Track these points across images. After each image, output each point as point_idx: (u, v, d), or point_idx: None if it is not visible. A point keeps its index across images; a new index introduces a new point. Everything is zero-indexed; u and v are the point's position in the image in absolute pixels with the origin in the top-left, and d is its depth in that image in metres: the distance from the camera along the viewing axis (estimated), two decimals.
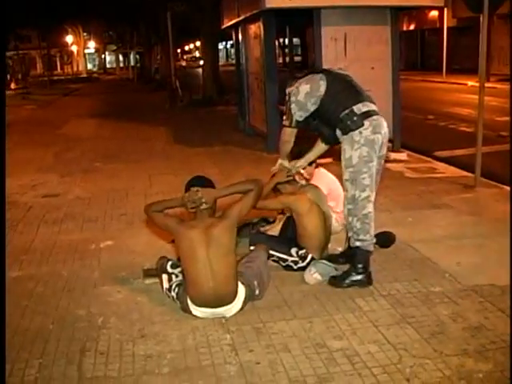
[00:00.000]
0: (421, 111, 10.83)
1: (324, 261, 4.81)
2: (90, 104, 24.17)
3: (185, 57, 77.17)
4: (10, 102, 25.17)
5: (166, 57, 28.92)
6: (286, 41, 24.79)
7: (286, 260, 4.89)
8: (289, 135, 4.67)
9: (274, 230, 5.47)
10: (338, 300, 4.36)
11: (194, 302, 4.08)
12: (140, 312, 4.30)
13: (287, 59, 29.58)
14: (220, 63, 43.87)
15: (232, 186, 4.39)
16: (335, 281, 4.55)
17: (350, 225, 4.54)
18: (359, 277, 4.50)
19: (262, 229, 5.63)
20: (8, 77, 36.02)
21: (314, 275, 4.68)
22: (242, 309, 4.16)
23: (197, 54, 70.36)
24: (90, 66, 71.35)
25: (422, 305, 4.22)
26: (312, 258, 4.85)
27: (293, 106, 4.50)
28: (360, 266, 4.51)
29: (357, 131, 4.32)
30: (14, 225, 6.58)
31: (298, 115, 4.49)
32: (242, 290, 4.13)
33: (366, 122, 4.32)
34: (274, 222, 5.76)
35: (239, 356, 3.62)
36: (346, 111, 4.32)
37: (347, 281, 4.50)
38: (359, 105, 4.37)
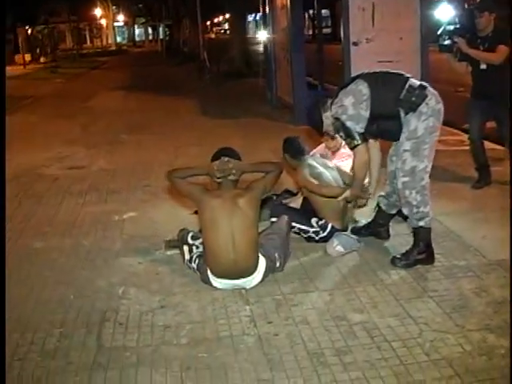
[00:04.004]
0: (451, 83, 10.58)
1: (347, 233, 4.75)
2: (118, 77, 24.20)
3: (214, 29, 76.73)
4: (39, 75, 25.43)
5: (194, 29, 28.79)
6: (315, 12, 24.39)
7: (308, 231, 4.84)
8: (365, 154, 4.39)
9: (296, 202, 5.42)
10: (359, 272, 4.31)
11: (214, 273, 4.06)
12: (160, 283, 4.30)
13: (316, 31, 29.16)
14: (249, 35, 43.64)
15: (257, 164, 4.40)
16: (397, 260, 4.39)
17: (406, 200, 4.32)
18: (423, 255, 4.37)
19: (284, 201, 5.58)
20: (37, 50, 36.21)
21: (336, 247, 4.63)
22: (262, 281, 4.13)
23: (226, 26, 69.87)
24: (119, 39, 71.35)
25: (444, 279, 4.14)
26: (332, 227, 4.81)
27: (348, 123, 4.29)
28: (423, 244, 4.38)
29: (423, 103, 4.16)
30: (40, 197, 6.62)
31: (359, 128, 4.29)
32: (262, 262, 4.10)
33: (428, 93, 4.21)
34: (297, 194, 5.71)
35: (258, 328, 3.60)
36: (404, 90, 4.18)
37: (410, 260, 4.35)
38: (411, 80, 4.26)
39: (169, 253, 4.79)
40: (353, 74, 8.90)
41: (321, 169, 4.83)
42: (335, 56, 9.89)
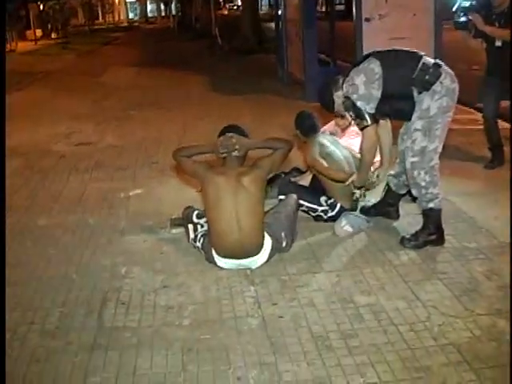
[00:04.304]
0: (465, 61, 10.38)
1: (355, 213, 4.65)
2: (129, 53, 24.04)
3: (227, 5, 76.08)
4: (50, 51, 25.28)
5: (206, 5, 28.51)
6: None
7: (316, 210, 4.75)
8: (374, 136, 4.24)
9: (305, 180, 5.32)
10: (367, 253, 4.21)
11: (218, 253, 3.98)
12: (164, 262, 4.22)
13: (329, 8, 28.81)
14: (263, 12, 43.04)
15: (265, 140, 4.22)
16: (406, 241, 4.29)
17: (414, 181, 4.19)
18: (433, 237, 4.26)
19: (292, 179, 5.48)
20: (49, 26, 35.99)
21: (344, 227, 4.53)
22: (267, 261, 4.05)
23: (239, 2, 69.25)
24: (131, 15, 70.96)
25: (454, 260, 4.04)
26: (341, 207, 4.71)
27: (359, 103, 4.13)
28: (433, 226, 4.27)
29: (438, 82, 4.02)
30: (46, 173, 6.56)
31: (370, 108, 4.14)
32: (268, 242, 4.01)
33: (442, 71, 4.07)
34: (306, 172, 5.60)
35: (262, 309, 3.52)
36: (417, 69, 4.04)
37: (419, 241, 4.25)
38: (425, 58, 4.11)
39: (174, 231, 4.71)
40: (365, 51, 8.82)
41: (332, 148, 4.72)
42: (348, 33, 9.70)
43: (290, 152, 4.15)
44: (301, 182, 5.28)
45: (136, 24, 56.32)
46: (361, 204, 4.79)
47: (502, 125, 6.32)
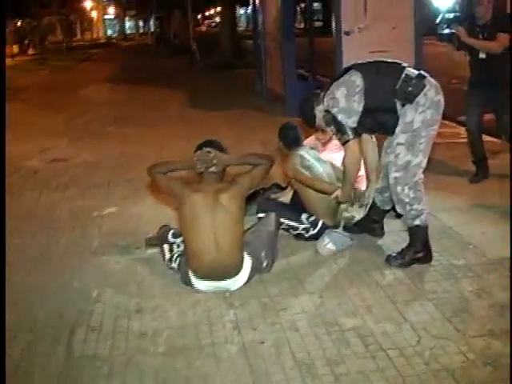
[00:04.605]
0: (445, 74, 10.30)
1: (338, 230, 4.46)
2: (107, 69, 23.78)
3: (205, 22, 76.25)
4: (27, 67, 25.00)
5: (185, 21, 28.40)
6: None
7: (297, 228, 4.56)
8: (356, 151, 4.08)
9: (286, 196, 5.13)
10: (352, 273, 4.03)
11: (195, 275, 3.77)
12: (138, 284, 4.00)
13: (307, 25, 28.88)
14: (242, 28, 43.03)
15: (244, 156, 4.04)
16: (392, 259, 4.10)
17: (398, 197, 4.02)
18: (419, 254, 4.08)
19: (272, 195, 5.29)
20: (25, 42, 35.71)
21: (327, 246, 4.34)
22: (247, 282, 3.84)
23: (217, 19, 69.43)
24: (109, 32, 70.76)
25: (443, 279, 3.86)
26: (323, 225, 4.52)
27: (340, 117, 3.97)
28: (419, 243, 4.08)
29: (421, 94, 3.85)
30: (17, 190, 6.30)
31: (351, 122, 3.97)
32: (248, 262, 3.81)
33: (427, 83, 3.90)
34: (286, 188, 5.42)
35: (242, 334, 3.31)
36: (400, 80, 3.87)
37: (406, 260, 4.06)
38: (408, 69, 3.94)
39: (149, 251, 4.50)
40: (345, 65, 8.71)
41: (312, 161, 4.54)
42: (327, 49, 9.64)
43: (270, 168, 3.95)
44: (281, 199, 5.10)
45: (114, 41, 56.11)
46: (344, 220, 4.61)
47: (484, 138, 6.19)
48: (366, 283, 3.85)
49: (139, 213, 5.43)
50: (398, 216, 4.36)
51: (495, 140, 6.97)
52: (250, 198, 4.72)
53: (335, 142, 4.85)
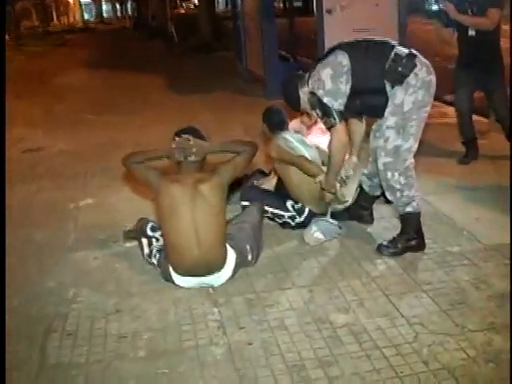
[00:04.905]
0: (428, 53, 10.08)
1: (326, 218, 4.25)
2: (84, 54, 23.30)
3: (184, 4, 75.36)
4: None
5: (162, 3, 27.91)
6: None
7: (283, 216, 4.35)
8: (343, 136, 3.82)
9: (270, 183, 4.92)
10: (342, 263, 3.83)
11: (176, 271, 3.55)
12: (117, 282, 3.78)
13: (287, 4, 28.45)
14: (221, 9, 42.42)
15: (226, 143, 3.79)
16: (384, 248, 3.91)
17: (388, 183, 3.81)
18: (412, 242, 3.89)
19: (255, 182, 5.07)
20: None
21: (314, 234, 4.14)
22: (232, 276, 3.64)
23: (196, 1, 68.53)
24: (86, 16, 69.39)
25: (438, 268, 3.68)
26: (310, 212, 4.32)
27: (325, 99, 3.72)
28: (412, 231, 3.89)
29: (412, 74, 3.63)
30: None
31: (338, 105, 3.72)
32: (232, 256, 3.60)
33: (417, 62, 3.67)
34: (270, 174, 5.20)
35: (227, 335, 3.11)
36: (389, 60, 3.63)
37: (398, 248, 3.87)
38: (398, 47, 3.70)
39: (128, 245, 4.28)
40: (327, 45, 8.49)
41: (296, 144, 4.31)
42: (307, 28, 9.40)
43: (254, 156, 3.72)
44: (265, 186, 4.88)
45: (92, 25, 55.19)
46: (332, 207, 4.41)
47: (474, 117, 6.00)
48: (356, 275, 3.66)
49: (117, 203, 5.20)
50: (388, 202, 4.17)
51: (483, 119, 6.79)
52: (233, 186, 4.52)
53: (321, 125, 4.65)
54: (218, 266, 3.53)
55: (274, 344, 2.99)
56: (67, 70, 17.02)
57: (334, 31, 8.17)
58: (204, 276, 3.52)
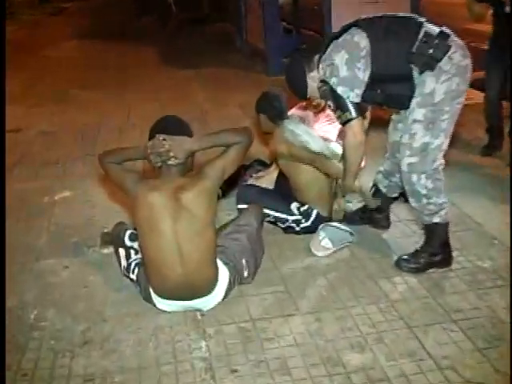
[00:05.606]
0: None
1: (336, 223, 3.67)
2: (78, 24, 22.46)
3: None
4: None
5: None
6: None
7: (286, 220, 3.76)
8: (361, 132, 3.19)
9: (270, 177, 4.32)
10: (355, 281, 3.24)
11: (157, 293, 2.96)
12: (89, 301, 3.20)
13: None
14: None
15: (214, 135, 3.06)
16: (403, 263, 3.33)
17: (413, 188, 3.20)
18: (437, 258, 3.30)
19: (254, 176, 4.47)
20: None
21: (322, 242, 3.55)
22: (225, 298, 3.05)
23: None
24: None
25: (469, 290, 3.10)
26: (318, 215, 3.74)
27: (340, 89, 3.11)
28: (437, 244, 3.30)
29: (446, 58, 3.01)
30: None
31: (354, 96, 3.11)
32: (224, 274, 3.01)
33: (452, 43, 3.04)
34: (271, 165, 4.60)
35: (216, 380, 2.53)
36: (418, 40, 3.01)
37: (421, 264, 3.30)
38: (427, 25, 3.07)
39: (105, 251, 3.72)
40: (333, 17, 7.83)
41: (305, 137, 3.70)
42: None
43: (249, 146, 3.05)
44: (263, 182, 4.28)
45: None
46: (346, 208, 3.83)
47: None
48: (372, 297, 3.07)
49: (98, 198, 4.59)
50: (408, 201, 3.54)
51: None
52: (227, 184, 3.95)
53: (328, 112, 4.03)
54: (207, 288, 2.94)
55: None
56: (58, 41, 16.27)
57: (341, 2, 7.57)
58: (191, 299, 2.94)
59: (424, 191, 3.17)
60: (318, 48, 3.35)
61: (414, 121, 3.09)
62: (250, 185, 4.14)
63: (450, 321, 2.84)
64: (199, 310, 3.00)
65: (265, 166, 4.72)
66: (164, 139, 2.85)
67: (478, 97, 5.72)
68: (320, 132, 4.02)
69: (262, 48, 9.62)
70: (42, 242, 3.92)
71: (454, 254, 3.38)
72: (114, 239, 3.39)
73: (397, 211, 3.91)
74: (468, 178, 4.56)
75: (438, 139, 3.10)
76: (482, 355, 2.59)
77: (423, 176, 3.15)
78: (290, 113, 4.23)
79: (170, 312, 3.00)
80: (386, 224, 3.82)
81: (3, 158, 4.67)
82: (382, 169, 3.69)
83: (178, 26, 18.05)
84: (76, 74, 10.46)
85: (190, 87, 8.36)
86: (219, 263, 3.00)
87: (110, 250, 3.64)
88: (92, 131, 6.49)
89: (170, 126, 2.98)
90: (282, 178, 4.03)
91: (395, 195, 3.72)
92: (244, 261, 3.13)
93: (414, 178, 3.16)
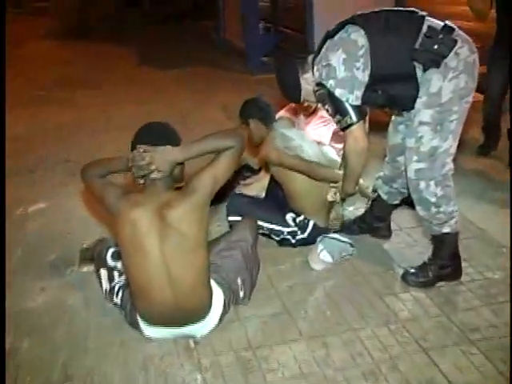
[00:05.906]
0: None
1: (335, 235, 3.41)
2: (51, 23, 22.05)
3: None
4: None
5: None
6: None
7: (281, 232, 3.49)
8: (363, 137, 2.94)
9: (260, 184, 4.06)
10: (360, 299, 2.98)
11: (145, 319, 2.68)
12: (69, 329, 2.90)
13: None
14: None
15: (202, 141, 2.69)
16: (411, 277, 3.09)
17: (421, 196, 2.95)
18: (447, 270, 3.06)
19: (241, 183, 4.20)
20: None
21: (321, 255, 3.29)
22: (219, 323, 2.78)
23: None
24: None
25: (483, 305, 2.86)
26: (314, 226, 3.47)
27: (338, 92, 2.86)
28: (447, 255, 3.06)
29: (452, 53, 2.77)
30: None
31: (354, 98, 2.87)
32: (218, 296, 2.74)
33: (457, 38, 2.79)
34: (259, 171, 4.34)
35: None
36: (420, 36, 2.76)
37: (430, 278, 3.06)
38: (429, 18, 2.83)
39: (85, 269, 3.40)
40: (315, 12, 7.56)
41: (298, 141, 3.43)
42: None
43: (242, 151, 2.72)
44: (253, 189, 4.02)
45: None
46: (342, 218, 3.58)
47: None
48: (382, 318, 2.81)
49: (76, 209, 4.27)
50: (410, 205, 3.27)
51: None
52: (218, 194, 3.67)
53: (322, 113, 3.78)
54: (200, 313, 2.66)
55: None
56: (29, 40, 15.87)
57: None
58: (182, 326, 2.66)
59: (433, 199, 2.91)
60: (297, 46, 3.09)
61: (421, 123, 2.84)
62: (239, 194, 3.84)
63: (468, 342, 2.60)
64: (192, 337, 2.72)
65: (253, 172, 4.45)
66: (144, 151, 2.55)
67: (476, 95, 5.49)
68: (313, 135, 3.76)
69: (240, 46, 9.35)
70: (15, 261, 3.59)
71: (463, 264, 3.13)
72: (95, 259, 3.10)
73: (395, 218, 3.66)
74: (467, 181, 4.31)
75: (447, 142, 2.85)
76: (505, 380, 2.35)
77: (432, 183, 2.90)
78: (278, 115, 3.99)
79: (159, 339, 2.71)
80: (386, 233, 3.57)
81: (3, 160, 4.34)
82: (381, 174, 3.44)
83: (154, 23, 17.71)
84: (49, 75, 10.10)
85: (168, 87, 8.03)
86: (213, 284, 2.72)
87: (90, 267, 3.34)
88: (68, 135, 6.18)
89: (154, 134, 2.65)
90: (273, 185, 3.74)
91: (396, 202, 3.47)
92: (239, 280, 2.86)
93: (422, 185, 2.90)
